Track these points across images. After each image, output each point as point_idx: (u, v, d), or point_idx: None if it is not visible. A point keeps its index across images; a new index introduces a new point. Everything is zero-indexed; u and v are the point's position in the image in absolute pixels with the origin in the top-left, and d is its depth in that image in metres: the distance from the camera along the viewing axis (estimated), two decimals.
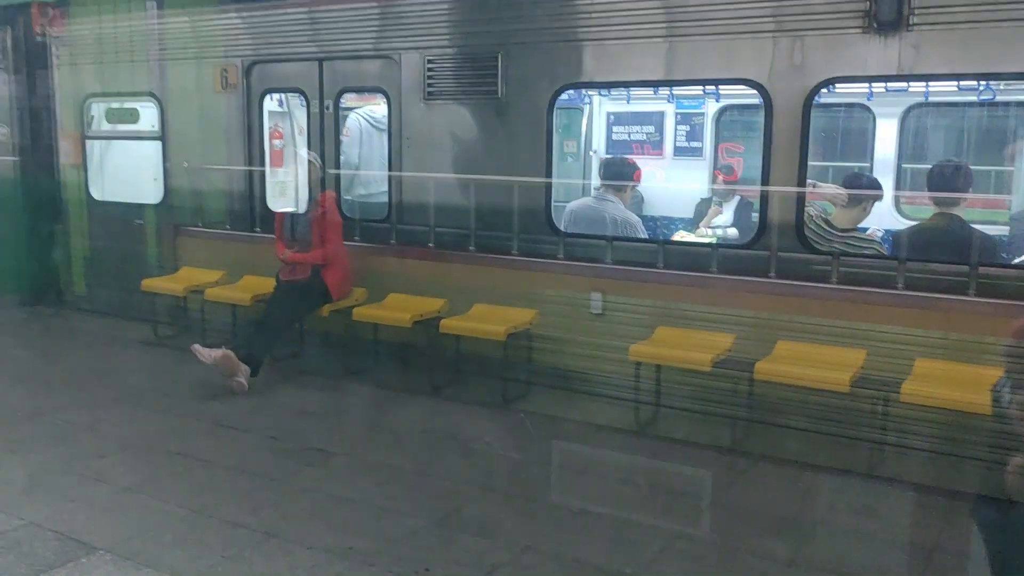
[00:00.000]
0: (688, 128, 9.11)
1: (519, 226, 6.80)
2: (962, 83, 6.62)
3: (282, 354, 7.41)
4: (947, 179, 5.97)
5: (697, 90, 8.23)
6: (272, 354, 7.07)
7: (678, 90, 8.27)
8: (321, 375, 7.20)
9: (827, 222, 6.17)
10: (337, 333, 7.30)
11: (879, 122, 8.00)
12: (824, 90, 5.80)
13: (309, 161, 7.40)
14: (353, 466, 5.33)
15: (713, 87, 7.86)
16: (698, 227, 8.38)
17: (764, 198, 5.96)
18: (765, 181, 5.90)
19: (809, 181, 6.27)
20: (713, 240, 7.92)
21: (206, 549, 4.18)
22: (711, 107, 8.84)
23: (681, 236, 8.33)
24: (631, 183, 7.31)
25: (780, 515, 4.79)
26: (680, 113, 9.08)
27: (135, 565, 4.01)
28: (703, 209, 8.56)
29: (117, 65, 9.04)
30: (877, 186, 6.65)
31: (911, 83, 6.66)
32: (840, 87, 6.53)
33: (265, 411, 6.35)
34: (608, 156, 9.01)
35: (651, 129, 9.22)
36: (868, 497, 4.96)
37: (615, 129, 9.46)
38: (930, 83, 6.82)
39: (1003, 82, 6.67)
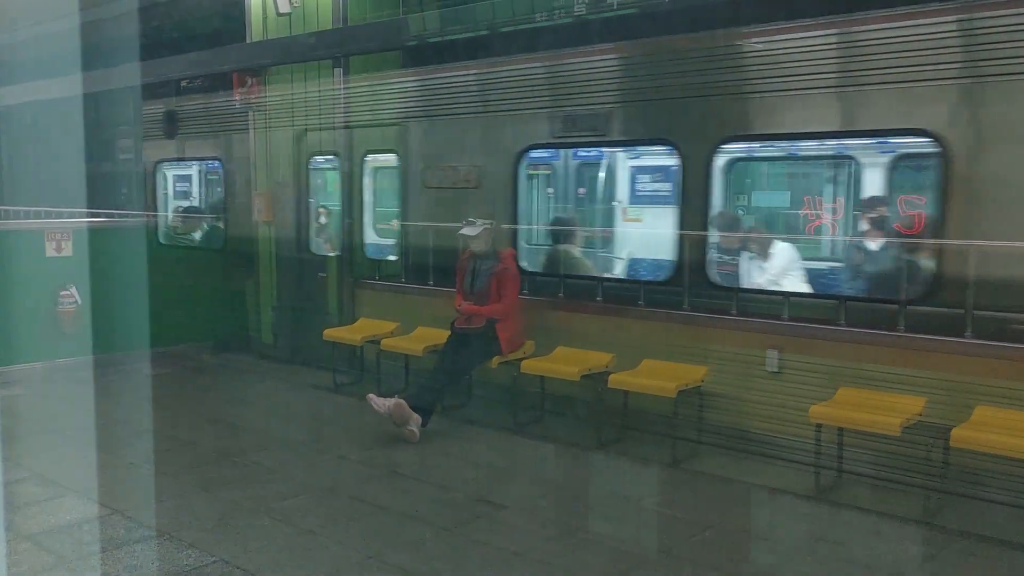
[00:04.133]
0: None
1: None
2: None
3: (452, 404, 7.56)
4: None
5: None
6: (442, 404, 7.22)
7: None
8: (489, 426, 7.27)
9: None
10: (505, 384, 7.38)
11: None
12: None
13: (485, 225, 7.48)
14: (522, 519, 5.32)
15: None
16: None
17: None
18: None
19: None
20: None
21: None
22: None
23: None
24: None
25: None
26: None
27: None
28: None
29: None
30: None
31: None
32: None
33: (436, 460, 6.48)
34: None
35: None
36: None
37: None
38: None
39: None
